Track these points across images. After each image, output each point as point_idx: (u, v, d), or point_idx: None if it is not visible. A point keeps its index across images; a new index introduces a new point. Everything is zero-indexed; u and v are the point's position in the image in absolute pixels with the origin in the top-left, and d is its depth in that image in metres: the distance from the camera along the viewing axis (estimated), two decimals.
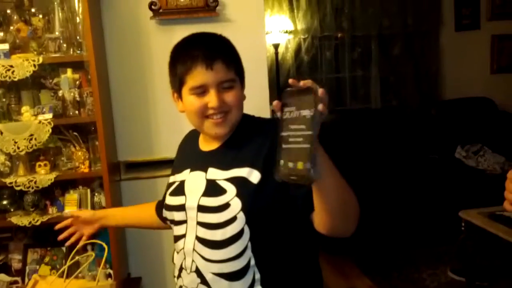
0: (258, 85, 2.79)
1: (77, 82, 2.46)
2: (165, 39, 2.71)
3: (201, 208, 1.33)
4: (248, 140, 1.35)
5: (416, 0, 5.37)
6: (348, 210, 1.15)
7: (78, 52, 2.42)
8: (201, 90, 1.32)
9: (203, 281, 1.31)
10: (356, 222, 1.18)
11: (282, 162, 0.98)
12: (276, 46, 5.26)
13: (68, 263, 1.60)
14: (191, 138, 1.53)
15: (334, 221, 1.15)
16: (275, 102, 1.02)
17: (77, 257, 1.67)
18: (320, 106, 0.95)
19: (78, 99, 2.43)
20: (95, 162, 2.46)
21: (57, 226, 1.74)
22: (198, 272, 1.32)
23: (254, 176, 1.28)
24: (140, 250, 2.80)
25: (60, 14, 2.42)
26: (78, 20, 2.42)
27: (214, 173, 1.34)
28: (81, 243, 1.68)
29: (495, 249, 3.32)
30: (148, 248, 2.80)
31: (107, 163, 2.40)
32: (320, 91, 0.97)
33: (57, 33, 2.42)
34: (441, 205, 4.13)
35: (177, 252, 1.41)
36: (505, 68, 5.23)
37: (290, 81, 1.02)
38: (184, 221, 1.38)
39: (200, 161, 1.41)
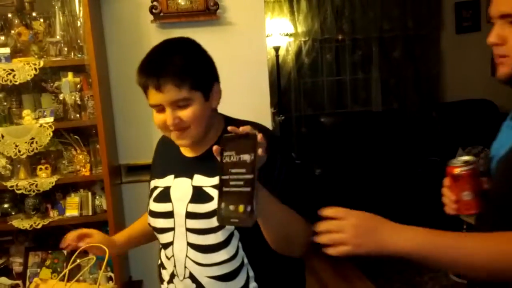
0: (259, 88, 2.79)
1: (78, 86, 2.47)
2: None
3: (190, 215, 1.35)
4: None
5: (416, 3, 5.38)
6: (292, 240, 1.25)
7: (79, 55, 2.43)
8: (159, 108, 1.34)
9: (199, 285, 1.34)
10: (303, 248, 1.28)
11: (223, 205, 1.02)
12: (276, 49, 5.27)
13: (69, 267, 1.59)
14: (170, 142, 1.46)
15: (278, 246, 1.25)
16: (214, 147, 1.07)
17: (78, 261, 1.66)
18: (260, 151, 1.02)
19: (79, 102, 2.44)
20: (96, 165, 2.47)
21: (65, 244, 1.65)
22: (192, 277, 1.35)
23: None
24: (141, 253, 2.79)
25: (61, 18, 2.43)
26: (79, 24, 2.43)
27: (200, 180, 1.36)
28: (82, 247, 1.67)
29: None
30: (149, 251, 2.78)
31: (108, 166, 2.40)
32: (259, 136, 1.03)
33: (58, 37, 2.42)
34: (442, 208, 4.11)
35: (168, 258, 1.41)
36: None
37: (229, 128, 1.08)
38: (171, 228, 1.39)
39: (185, 168, 1.41)
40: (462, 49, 5.30)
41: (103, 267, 1.67)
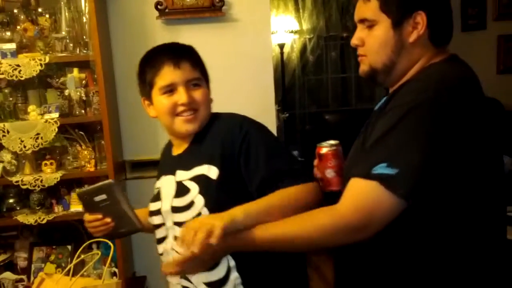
0: (264, 84, 2.79)
1: (83, 82, 2.47)
2: (171, 39, 2.67)
3: (174, 209, 1.41)
4: (210, 138, 1.43)
5: None
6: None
7: (85, 51, 2.43)
8: (170, 89, 1.40)
9: (183, 276, 1.39)
10: (314, 204, 1.29)
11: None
12: (281, 46, 5.27)
13: (74, 261, 1.60)
14: (168, 146, 1.60)
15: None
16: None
17: (82, 256, 1.68)
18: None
19: (84, 98, 2.44)
20: (101, 161, 2.47)
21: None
22: None
23: (212, 172, 1.36)
24: (145, 249, 2.80)
25: (66, 13, 2.43)
26: (84, 19, 2.43)
27: (181, 175, 1.43)
28: (88, 242, 1.69)
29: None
30: (153, 247, 2.79)
31: (112, 162, 2.41)
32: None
33: (63, 32, 2.43)
34: None
35: (161, 254, 1.49)
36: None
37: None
38: (163, 224, 1.46)
39: (170, 166, 1.49)
40: (467, 47, 5.26)
41: (107, 263, 1.68)
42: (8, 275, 2.49)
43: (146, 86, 1.46)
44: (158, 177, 1.56)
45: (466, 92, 1.12)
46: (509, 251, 1.28)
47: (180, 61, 1.40)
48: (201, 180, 1.37)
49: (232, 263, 1.35)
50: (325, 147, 1.37)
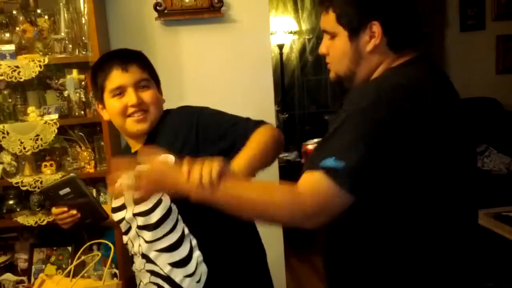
0: (263, 85, 2.79)
1: (83, 83, 2.47)
2: (170, 39, 2.72)
3: (136, 201, 1.47)
4: (164, 133, 1.49)
5: (420, 1, 5.36)
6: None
7: (84, 52, 2.43)
8: (119, 91, 1.47)
9: (148, 260, 1.47)
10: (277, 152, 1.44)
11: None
12: (280, 47, 5.27)
13: (75, 263, 1.61)
14: (126, 147, 1.66)
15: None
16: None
17: (83, 257, 1.68)
18: None
19: (83, 99, 2.44)
20: (101, 162, 2.47)
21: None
22: (143, 255, 1.48)
23: (169, 161, 1.40)
24: None
25: (65, 15, 2.43)
26: (83, 21, 2.43)
27: (140, 169, 1.44)
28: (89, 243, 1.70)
29: (500, 249, 3.31)
30: None
31: None
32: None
33: (62, 34, 2.43)
34: None
35: (126, 244, 1.58)
36: (511, 69, 5.20)
37: None
38: (123, 218, 1.53)
39: None
40: (466, 48, 5.28)
41: (108, 264, 1.69)
42: (8, 276, 2.49)
43: (98, 90, 1.52)
44: None
45: (411, 94, 1.13)
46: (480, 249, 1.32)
47: (127, 64, 1.47)
48: None
49: (194, 242, 1.42)
50: (311, 145, 1.45)
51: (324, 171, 1.08)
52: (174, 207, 1.44)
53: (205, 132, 1.43)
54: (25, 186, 2.36)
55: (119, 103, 1.47)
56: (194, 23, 2.70)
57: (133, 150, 1.57)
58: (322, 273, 1.43)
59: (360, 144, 1.08)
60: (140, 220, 1.47)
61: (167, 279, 1.44)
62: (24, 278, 2.51)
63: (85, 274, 1.83)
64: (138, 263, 1.51)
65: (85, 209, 1.54)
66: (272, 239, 2.56)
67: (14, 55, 2.34)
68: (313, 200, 1.09)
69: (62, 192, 1.50)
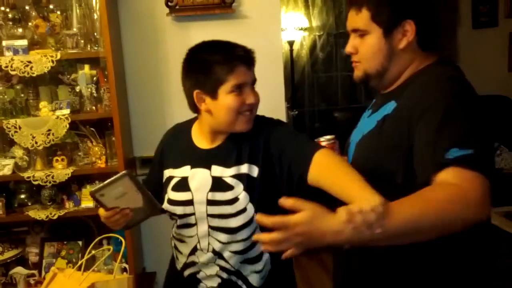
0: (274, 82, 2.79)
1: (94, 78, 2.49)
2: (181, 35, 2.72)
3: (210, 202, 1.49)
4: (245, 138, 1.51)
5: None
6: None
7: (96, 48, 2.45)
8: (239, 88, 1.46)
9: (221, 257, 1.51)
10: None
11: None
12: (291, 43, 5.26)
13: (86, 257, 1.62)
14: (179, 134, 1.66)
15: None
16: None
17: (93, 252, 1.69)
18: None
19: (95, 94, 2.46)
20: (112, 158, 2.49)
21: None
22: (215, 252, 1.51)
23: (254, 171, 1.48)
24: (154, 245, 2.82)
25: (77, 10, 2.44)
26: (95, 16, 2.44)
27: (219, 171, 1.50)
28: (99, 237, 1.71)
29: (510, 248, 3.29)
30: (162, 243, 2.79)
31: (123, 158, 2.42)
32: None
33: (74, 29, 2.44)
34: None
35: (191, 237, 1.54)
36: None
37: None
38: (192, 214, 1.52)
39: (201, 159, 1.54)
40: (478, 45, 5.24)
41: (119, 258, 1.70)
42: (20, 269, 2.52)
43: (212, 81, 1.45)
44: (174, 165, 1.58)
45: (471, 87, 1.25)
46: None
47: (251, 62, 1.49)
48: (244, 178, 1.47)
49: None
50: (324, 141, 1.52)
51: (456, 162, 1.08)
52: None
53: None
54: (36, 180, 2.38)
55: (238, 99, 1.45)
56: (205, 19, 2.70)
57: (202, 145, 1.56)
58: (330, 270, 1.43)
59: (477, 129, 1.14)
60: (215, 222, 1.49)
61: (236, 272, 1.51)
62: (35, 272, 2.53)
63: (95, 269, 1.84)
64: (206, 258, 1.52)
65: (139, 206, 1.45)
66: None
67: (26, 50, 2.36)
68: (479, 195, 1.06)
69: (114, 193, 1.39)
